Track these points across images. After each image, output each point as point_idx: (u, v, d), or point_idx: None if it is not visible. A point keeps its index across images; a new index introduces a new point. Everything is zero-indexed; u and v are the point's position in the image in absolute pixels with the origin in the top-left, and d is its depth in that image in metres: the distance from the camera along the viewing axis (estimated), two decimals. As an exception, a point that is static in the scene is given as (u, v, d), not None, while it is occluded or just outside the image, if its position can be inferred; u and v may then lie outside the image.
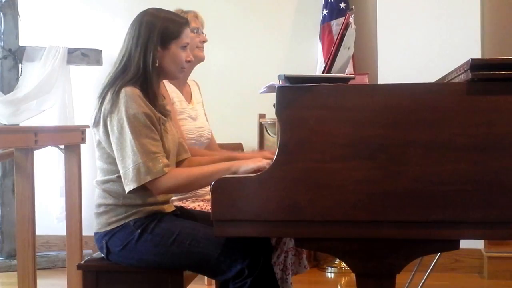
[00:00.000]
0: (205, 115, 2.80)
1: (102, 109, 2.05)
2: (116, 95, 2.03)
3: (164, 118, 2.15)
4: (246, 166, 1.94)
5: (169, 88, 2.60)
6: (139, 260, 2.08)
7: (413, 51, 3.91)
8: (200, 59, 2.69)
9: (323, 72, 2.31)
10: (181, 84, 2.69)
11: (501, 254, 3.78)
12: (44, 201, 4.18)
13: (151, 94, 2.08)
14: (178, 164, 2.27)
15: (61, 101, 4.34)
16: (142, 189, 2.02)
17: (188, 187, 2.14)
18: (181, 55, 2.15)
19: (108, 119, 2.03)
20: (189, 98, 2.72)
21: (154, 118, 2.05)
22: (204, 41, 2.68)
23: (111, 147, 2.05)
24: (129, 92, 2.02)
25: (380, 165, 1.68)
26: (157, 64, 2.11)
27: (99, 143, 2.11)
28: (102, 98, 2.07)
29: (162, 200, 2.16)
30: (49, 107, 4.30)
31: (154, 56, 2.09)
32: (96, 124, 2.09)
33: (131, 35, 2.12)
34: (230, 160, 2.16)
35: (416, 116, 1.68)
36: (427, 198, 1.67)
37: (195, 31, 2.63)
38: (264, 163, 1.89)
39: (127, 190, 2.00)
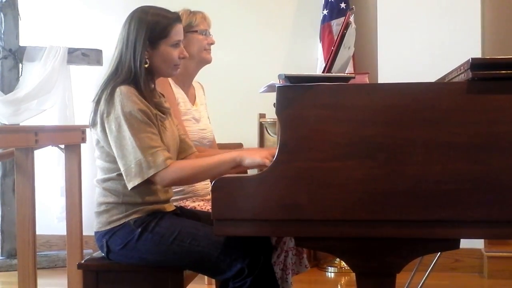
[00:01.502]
0: (208, 117, 2.80)
1: (99, 110, 2.06)
2: (111, 95, 2.03)
3: (162, 115, 2.15)
4: (252, 159, 1.94)
5: (175, 89, 2.60)
6: (139, 259, 2.08)
7: (413, 51, 3.91)
8: (207, 61, 2.67)
9: (323, 72, 2.31)
10: (187, 85, 2.69)
11: (501, 253, 3.78)
12: (45, 201, 4.18)
13: (146, 92, 2.08)
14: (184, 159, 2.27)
15: (61, 101, 4.34)
16: (145, 185, 2.02)
17: (193, 178, 2.12)
18: (171, 53, 2.14)
19: (105, 118, 2.04)
20: (193, 99, 2.72)
21: (150, 114, 2.05)
22: (212, 43, 2.67)
23: (110, 146, 2.05)
24: (124, 91, 2.02)
25: (380, 164, 1.68)
26: (147, 65, 2.10)
27: (97, 142, 2.12)
28: (98, 100, 2.08)
29: (162, 199, 2.17)
30: (49, 107, 4.30)
31: (142, 57, 2.08)
32: (93, 124, 2.09)
33: (121, 36, 2.12)
34: None
35: (416, 116, 1.68)
36: (427, 197, 1.67)
37: (203, 33, 2.62)
38: (268, 161, 1.88)
39: (130, 187, 2.00)
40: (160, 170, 1.98)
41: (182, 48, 2.18)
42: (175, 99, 2.56)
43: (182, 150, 2.28)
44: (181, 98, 2.61)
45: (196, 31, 2.59)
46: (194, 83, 2.77)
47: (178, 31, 2.15)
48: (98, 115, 2.06)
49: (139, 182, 1.99)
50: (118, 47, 2.13)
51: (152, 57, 2.12)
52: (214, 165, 2.00)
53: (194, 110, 2.67)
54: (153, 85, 2.18)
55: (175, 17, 2.16)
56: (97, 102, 2.08)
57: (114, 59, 2.13)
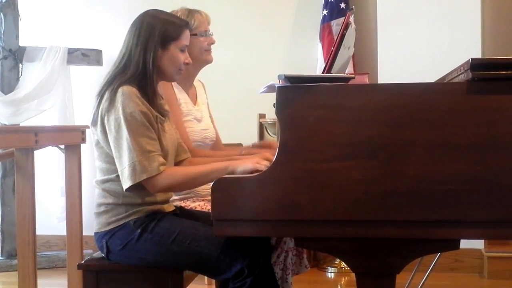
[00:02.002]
0: (210, 116, 2.79)
1: (100, 108, 2.06)
2: (114, 93, 2.03)
3: (162, 117, 2.15)
4: (244, 166, 1.94)
5: (176, 89, 2.60)
6: (139, 260, 2.08)
7: (413, 51, 3.91)
8: (208, 62, 2.67)
9: (323, 72, 2.31)
10: (188, 85, 2.69)
11: (501, 254, 3.78)
12: (45, 201, 4.18)
13: (149, 93, 2.08)
14: (178, 164, 2.28)
15: (61, 101, 4.34)
16: (140, 188, 2.03)
17: (184, 185, 2.15)
18: (179, 56, 2.16)
19: (106, 118, 2.04)
20: (194, 99, 2.72)
21: (151, 117, 2.05)
22: (212, 43, 2.66)
23: (109, 146, 2.05)
24: (126, 91, 2.03)
25: (380, 164, 1.68)
26: (157, 63, 2.11)
27: (97, 142, 2.12)
28: (100, 96, 2.08)
29: (162, 199, 2.17)
30: (49, 107, 4.30)
31: (155, 56, 2.10)
32: (94, 123, 2.10)
33: (131, 35, 2.13)
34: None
35: (416, 116, 1.68)
36: (426, 198, 1.67)
37: (203, 34, 2.62)
38: (262, 166, 1.88)
39: (124, 188, 2.01)
40: (152, 175, 1.98)
41: (187, 54, 2.20)
42: (176, 100, 2.56)
43: (177, 154, 2.28)
44: (183, 99, 2.61)
45: (196, 34, 2.58)
46: (195, 82, 2.77)
47: (187, 37, 2.19)
48: (99, 113, 2.06)
49: (131, 184, 1.99)
50: (127, 46, 2.13)
51: (161, 59, 2.13)
52: (205, 174, 2.01)
53: (196, 110, 2.67)
54: (156, 87, 2.18)
55: (184, 23, 2.20)
56: (100, 98, 2.08)
57: (122, 57, 2.13)
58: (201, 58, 2.62)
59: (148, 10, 2.18)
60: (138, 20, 2.15)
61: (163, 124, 2.16)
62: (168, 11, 2.29)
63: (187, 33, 2.19)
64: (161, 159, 2.02)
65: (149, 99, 2.08)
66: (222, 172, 1.96)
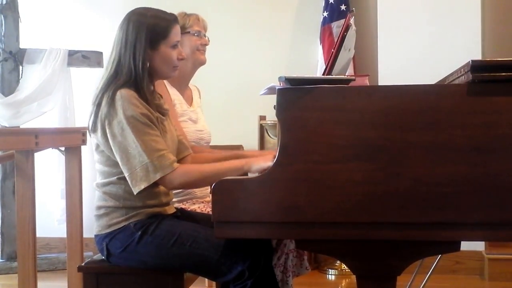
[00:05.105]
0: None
1: (99, 114, 2.04)
2: (112, 99, 2.01)
3: (162, 117, 2.15)
4: (259, 165, 1.93)
5: (170, 90, 2.60)
6: (139, 262, 2.08)
7: (413, 53, 3.91)
8: (201, 63, 2.68)
9: (323, 74, 2.31)
10: (183, 87, 2.69)
11: (502, 256, 3.78)
12: (45, 203, 4.18)
13: (147, 94, 2.07)
14: (180, 161, 2.27)
15: (62, 103, 4.34)
16: (149, 189, 2.01)
17: (199, 183, 2.12)
18: (171, 54, 2.14)
19: (107, 123, 2.02)
20: (190, 101, 2.72)
21: (152, 117, 2.04)
22: (206, 44, 2.67)
23: (111, 150, 2.04)
24: (125, 94, 2.01)
25: (380, 166, 1.68)
26: (147, 66, 2.09)
27: (97, 146, 2.10)
28: (98, 103, 2.06)
29: (163, 201, 2.16)
30: (49, 109, 4.30)
31: (144, 59, 2.07)
32: (93, 129, 2.07)
33: (119, 38, 2.10)
34: (237, 158, 2.15)
35: (416, 118, 1.68)
36: (427, 200, 1.66)
37: (196, 34, 2.63)
38: None
39: (136, 191, 1.99)
40: (167, 173, 1.97)
41: (180, 49, 2.18)
42: (171, 101, 2.56)
43: (179, 151, 2.27)
44: (177, 100, 2.61)
45: (189, 32, 2.59)
46: (191, 85, 2.77)
47: (176, 32, 2.15)
48: (99, 119, 2.04)
49: (146, 186, 1.98)
50: (116, 49, 2.10)
51: (152, 59, 2.11)
52: (221, 172, 1.97)
53: (191, 111, 2.67)
54: (152, 87, 2.17)
55: (173, 18, 2.15)
56: (98, 105, 2.06)
57: (112, 61, 2.11)
58: (193, 57, 2.62)
59: (133, 10, 2.13)
60: (125, 20, 2.11)
61: (163, 123, 2.15)
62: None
63: (176, 29, 2.14)
64: (172, 156, 2.01)
65: (147, 100, 2.06)
66: (238, 171, 1.96)
